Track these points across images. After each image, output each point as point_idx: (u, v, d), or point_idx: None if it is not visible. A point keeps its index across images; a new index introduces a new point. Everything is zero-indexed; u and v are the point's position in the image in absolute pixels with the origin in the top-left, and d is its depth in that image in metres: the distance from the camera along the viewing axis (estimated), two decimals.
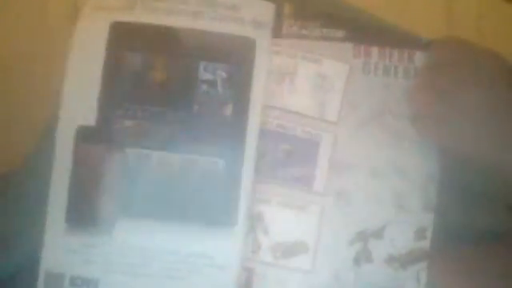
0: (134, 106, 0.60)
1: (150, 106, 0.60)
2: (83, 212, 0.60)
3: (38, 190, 0.60)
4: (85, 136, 0.60)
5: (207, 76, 0.60)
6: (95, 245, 0.60)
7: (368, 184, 0.59)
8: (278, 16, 0.61)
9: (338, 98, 0.60)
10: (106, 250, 0.60)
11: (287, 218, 0.59)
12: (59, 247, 0.60)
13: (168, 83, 0.60)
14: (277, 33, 0.61)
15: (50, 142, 0.60)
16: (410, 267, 0.58)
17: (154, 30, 0.60)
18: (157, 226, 0.60)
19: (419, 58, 0.60)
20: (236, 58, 0.60)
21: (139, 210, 0.60)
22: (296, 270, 0.59)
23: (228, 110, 0.60)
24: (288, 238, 0.59)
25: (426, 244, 0.59)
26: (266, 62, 0.60)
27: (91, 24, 0.60)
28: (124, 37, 0.60)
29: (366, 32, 0.60)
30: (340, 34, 0.60)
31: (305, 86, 0.60)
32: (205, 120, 0.60)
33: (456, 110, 0.56)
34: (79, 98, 0.60)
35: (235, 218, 0.60)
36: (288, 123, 0.60)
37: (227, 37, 0.61)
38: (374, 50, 0.60)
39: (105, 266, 0.60)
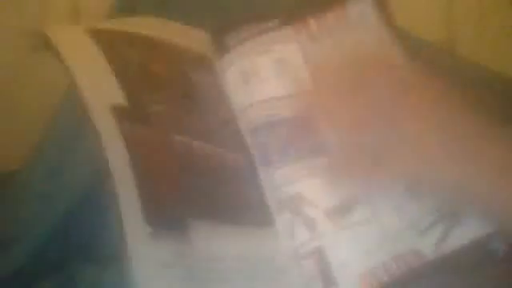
0: (158, 94, 0.54)
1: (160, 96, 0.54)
2: (163, 211, 0.47)
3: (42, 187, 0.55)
4: (124, 116, 0.49)
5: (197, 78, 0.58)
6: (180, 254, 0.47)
7: None
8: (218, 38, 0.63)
9: (305, 70, 0.61)
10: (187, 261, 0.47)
11: (324, 184, 0.57)
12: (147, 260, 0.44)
13: (167, 77, 0.57)
14: (224, 49, 0.62)
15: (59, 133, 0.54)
16: None
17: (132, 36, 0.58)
18: (221, 230, 0.51)
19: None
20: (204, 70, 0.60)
21: (203, 209, 0.50)
22: (360, 223, 0.55)
23: (222, 112, 0.59)
24: (335, 199, 0.56)
25: None
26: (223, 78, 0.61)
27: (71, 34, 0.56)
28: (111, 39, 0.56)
29: (293, 12, 0.64)
30: (273, 23, 0.63)
31: (271, 73, 0.61)
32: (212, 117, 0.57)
33: None
34: (100, 80, 0.51)
35: (271, 218, 0.56)
36: (274, 110, 0.60)
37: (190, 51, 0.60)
38: (311, 21, 0.63)
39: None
